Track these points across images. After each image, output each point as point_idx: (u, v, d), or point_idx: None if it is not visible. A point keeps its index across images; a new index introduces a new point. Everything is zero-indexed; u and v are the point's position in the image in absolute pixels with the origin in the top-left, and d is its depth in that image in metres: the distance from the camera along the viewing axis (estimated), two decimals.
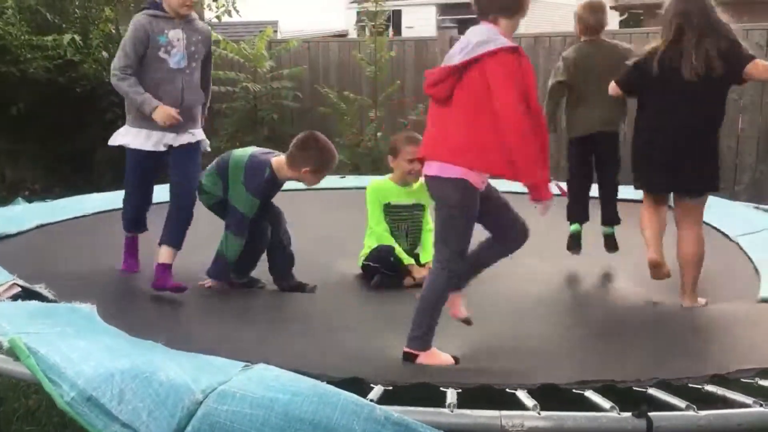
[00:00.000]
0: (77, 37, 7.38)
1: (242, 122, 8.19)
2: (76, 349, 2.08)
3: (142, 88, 3.43)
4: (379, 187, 4.11)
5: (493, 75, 2.54)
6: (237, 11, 8.75)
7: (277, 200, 5.72)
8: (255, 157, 3.73)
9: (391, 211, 4.06)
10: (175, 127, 3.53)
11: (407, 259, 3.92)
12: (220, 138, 8.08)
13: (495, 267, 3.00)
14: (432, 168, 2.71)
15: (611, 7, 23.08)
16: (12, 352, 2.13)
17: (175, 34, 3.47)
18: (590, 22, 4.17)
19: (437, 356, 2.73)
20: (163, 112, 3.41)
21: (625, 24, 23.78)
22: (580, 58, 4.14)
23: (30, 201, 5.26)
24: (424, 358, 2.72)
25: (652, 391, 2.26)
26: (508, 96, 2.53)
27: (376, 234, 3.99)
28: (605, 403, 2.10)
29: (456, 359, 2.77)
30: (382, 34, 7.81)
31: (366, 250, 3.99)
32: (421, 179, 4.04)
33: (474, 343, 2.98)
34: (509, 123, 2.53)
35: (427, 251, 3.99)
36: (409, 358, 2.72)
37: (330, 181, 6.18)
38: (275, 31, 9.81)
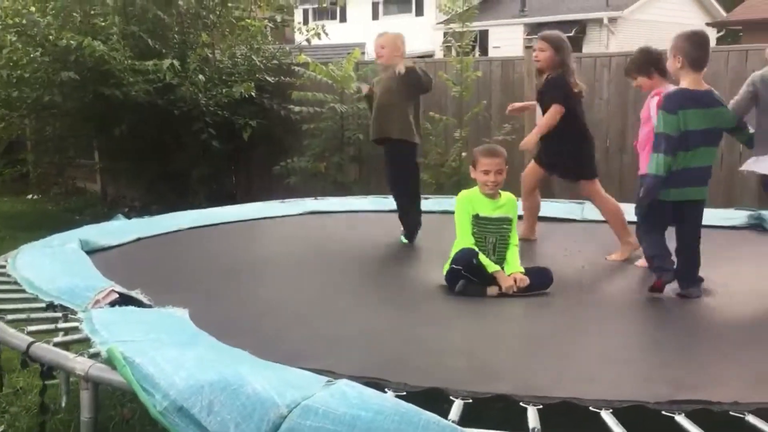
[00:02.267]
0: (176, 62, 7.71)
1: (329, 142, 8.34)
2: (169, 359, 2.16)
3: None
4: (469, 197, 4.04)
5: None
6: (326, 34, 8.96)
7: (363, 222, 5.82)
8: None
9: (479, 223, 3.98)
10: None
11: (492, 266, 3.85)
12: (307, 158, 8.26)
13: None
14: None
15: (707, 24, 22.30)
16: (110, 361, 2.23)
17: None
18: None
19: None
20: None
21: (722, 40, 22.92)
22: None
23: (129, 217, 5.51)
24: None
25: (750, 418, 2.13)
26: None
27: (462, 245, 3.95)
28: None
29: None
30: (469, 54, 7.80)
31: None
32: (508, 193, 4.05)
33: (555, 350, 2.94)
34: None
35: (511, 265, 3.94)
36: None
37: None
38: (363, 53, 9.96)
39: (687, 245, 3.76)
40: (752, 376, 2.63)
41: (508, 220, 4.02)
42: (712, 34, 23.92)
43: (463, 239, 3.94)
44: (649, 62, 4.33)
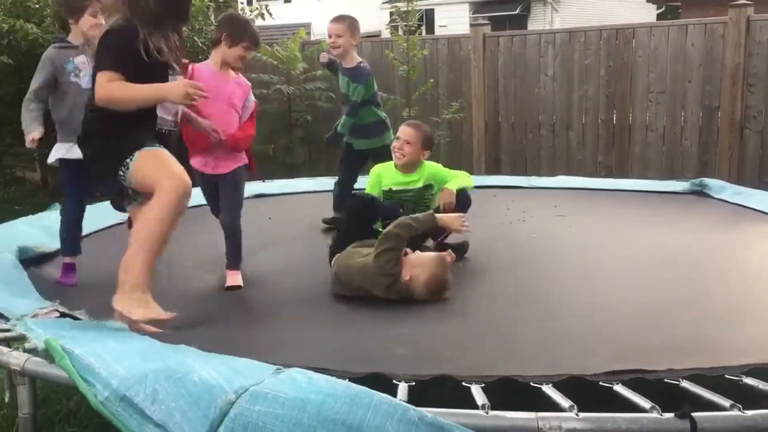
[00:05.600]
0: None
1: (276, 124, 8.21)
2: (110, 350, 2.09)
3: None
4: (378, 171, 4.17)
5: None
6: (270, 14, 8.80)
7: (286, 203, 5.76)
8: None
9: (393, 196, 4.06)
10: None
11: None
12: (255, 140, 8.11)
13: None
14: None
15: (647, 0, 22.67)
16: (48, 354, 2.15)
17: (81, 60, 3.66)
18: None
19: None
20: None
21: (662, 16, 23.35)
22: None
23: None
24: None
25: (685, 383, 2.19)
26: None
27: None
28: (644, 403, 2.03)
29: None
30: (415, 33, 7.76)
31: None
32: (428, 164, 4.14)
33: (491, 329, 2.96)
34: None
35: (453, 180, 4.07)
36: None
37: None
38: (308, 33, 9.82)
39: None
40: (683, 342, 2.71)
41: (428, 186, 4.10)
42: (652, 11, 24.38)
43: None
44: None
